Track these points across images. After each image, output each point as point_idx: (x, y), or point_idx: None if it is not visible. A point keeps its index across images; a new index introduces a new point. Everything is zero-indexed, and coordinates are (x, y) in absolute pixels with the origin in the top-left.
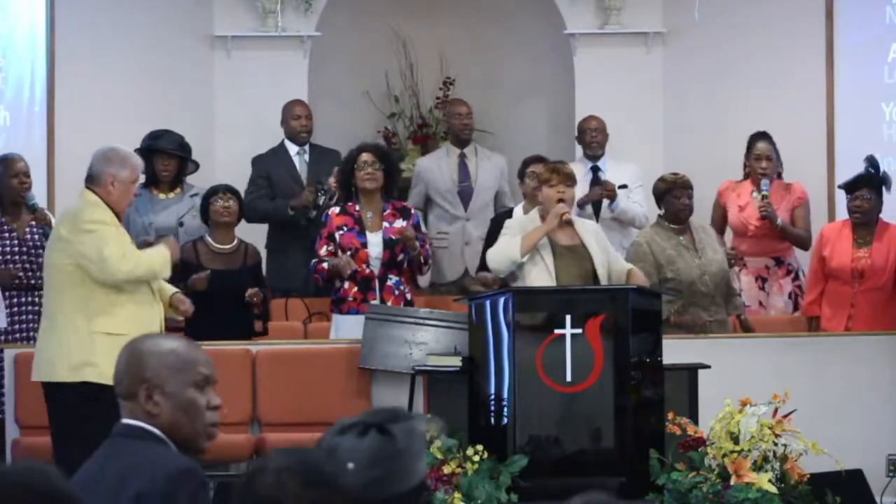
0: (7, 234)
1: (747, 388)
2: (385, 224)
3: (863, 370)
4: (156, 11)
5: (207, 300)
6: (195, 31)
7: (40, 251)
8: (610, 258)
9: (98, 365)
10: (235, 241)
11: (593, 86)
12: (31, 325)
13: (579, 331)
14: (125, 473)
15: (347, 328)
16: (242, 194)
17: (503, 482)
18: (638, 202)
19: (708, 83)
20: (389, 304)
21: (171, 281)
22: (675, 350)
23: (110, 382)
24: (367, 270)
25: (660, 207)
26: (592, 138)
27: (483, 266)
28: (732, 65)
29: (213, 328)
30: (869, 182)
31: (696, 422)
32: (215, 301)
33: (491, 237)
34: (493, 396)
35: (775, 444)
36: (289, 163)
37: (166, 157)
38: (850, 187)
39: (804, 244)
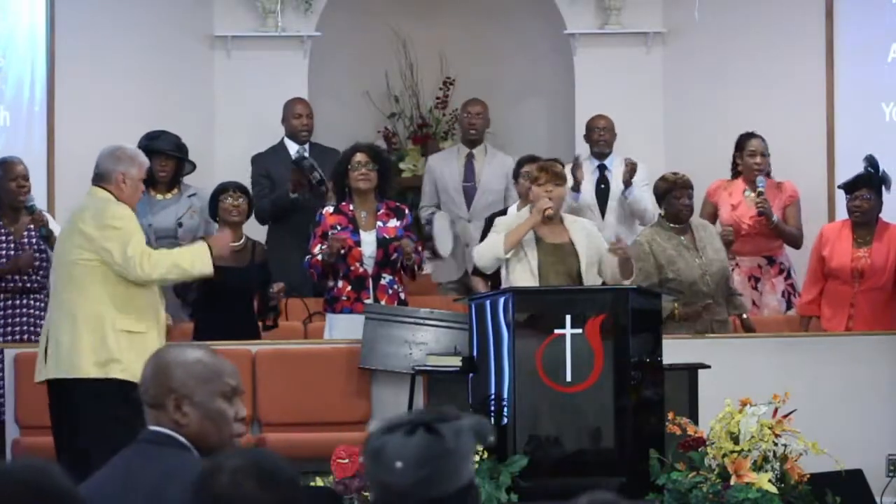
0: (4, 238)
1: (747, 388)
2: (379, 224)
3: (863, 370)
4: (156, 11)
5: (215, 298)
6: (195, 31)
7: (36, 254)
8: (603, 258)
9: (122, 361)
10: (244, 240)
11: (593, 86)
12: (28, 326)
13: (579, 331)
14: (159, 481)
15: (341, 327)
16: None
17: (503, 482)
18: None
19: (708, 83)
20: (383, 303)
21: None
22: (675, 350)
23: (135, 380)
24: (361, 269)
25: (661, 207)
26: (600, 137)
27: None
28: (732, 65)
29: (221, 326)
30: (868, 182)
31: (696, 422)
32: (223, 299)
33: (483, 236)
34: (493, 396)
35: (775, 444)
36: (288, 161)
37: (163, 157)
38: (850, 187)
39: (797, 242)
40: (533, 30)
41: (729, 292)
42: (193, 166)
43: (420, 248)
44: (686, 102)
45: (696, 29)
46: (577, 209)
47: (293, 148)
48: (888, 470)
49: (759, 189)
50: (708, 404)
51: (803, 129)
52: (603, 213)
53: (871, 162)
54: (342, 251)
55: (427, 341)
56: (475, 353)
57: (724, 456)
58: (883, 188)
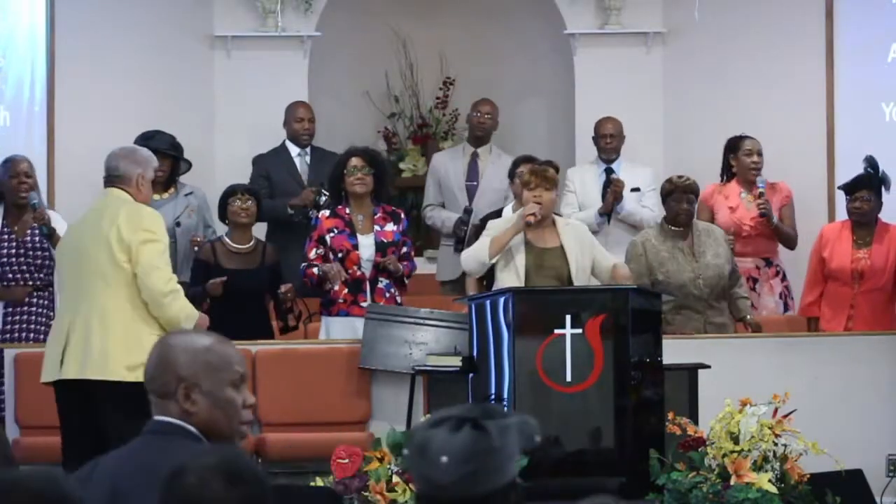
0: (6, 237)
1: (747, 388)
2: (376, 227)
3: (862, 370)
4: (156, 11)
5: (227, 300)
6: (195, 31)
7: (38, 253)
8: (596, 257)
9: None
10: (253, 241)
11: (593, 86)
12: (31, 325)
13: (579, 331)
14: None
15: (337, 330)
16: None
17: None
18: (649, 206)
19: (708, 83)
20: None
21: (189, 283)
22: (675, 350)
23: None
24: (359, 272)
25: (664, 208)
26: (608, 144)
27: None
28: (732, 65)
29: (234, 328)
30: (868, 183)
31: (696, 422)
32: (234, 301)
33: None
34: (493, 396)
35: (775, 444)
36: (290, 164)
37: (159, 157)
38: (850, 189)
39: (793, 243)
40: (533, 30)
41: (733, 296)
42: (189, 165)
43: (411, 254)
44: (686, 102)
45: (696, 29)
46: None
47: (294, 150)
48: (888, 470)
49: (760, 190)
50: (708, 404)
51: (803, 130)
52: (609, 217)
53: (870, 163)
54: (331, 284)
55: (427, 341)
56: (475, 353)
57: (724, 456)
58: (882, 189)
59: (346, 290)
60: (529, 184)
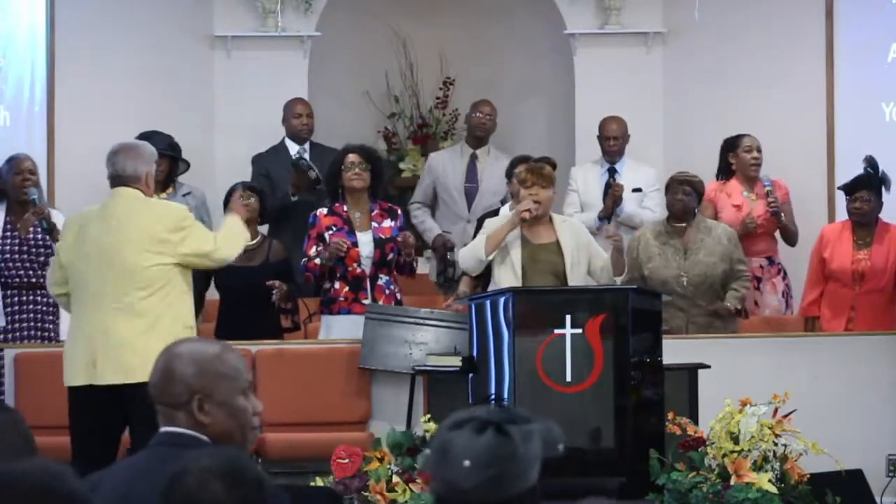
0: (10, 234)
1: (747, 388)
2: (374, 224)
3: (863, 370)
4: (156, 11)
5: (232, 298)
6: (195, 31)
7: (41, 250)
8: (592, 256)
9: None
10: (258, 239)
11: (593, 86)
12: (34, 322)
13: (579, 331)
14: None
15: (339, 328)
16: None
17: None
18: (650, 207)
19: (708, 83)
20: (381, 303)
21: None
22: (675, 350)
23: None
24: (359, 270)
25: (666, 203)
26: (611, 147)
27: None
28: (732, 65)
29: (241, 326)
30: (868, 183)
31: (696, 422)
32: (239, 299)
33: (474, 236)
34: (493, 397)
35: (775, 444)
36: (288, 161)
37: (158, 158)
38: (850, 189)
39: (796, 240)
40: (533, 30)
41: (727, 288)
42: (187, 165)
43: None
44: (686, 102)
45: (696, 29)
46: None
47: (294, 148)
48: (888, 470)
49: (768, 188)
50: (708, 404)
51: (803, 129)
52: (609, 216)
53: (870, 163)
54: (342, 255)
55: (427, 341)
56: (475, 353)
57: (724, 456)
58: (883, 189)
59: (346, 289)
60: (526, 182)
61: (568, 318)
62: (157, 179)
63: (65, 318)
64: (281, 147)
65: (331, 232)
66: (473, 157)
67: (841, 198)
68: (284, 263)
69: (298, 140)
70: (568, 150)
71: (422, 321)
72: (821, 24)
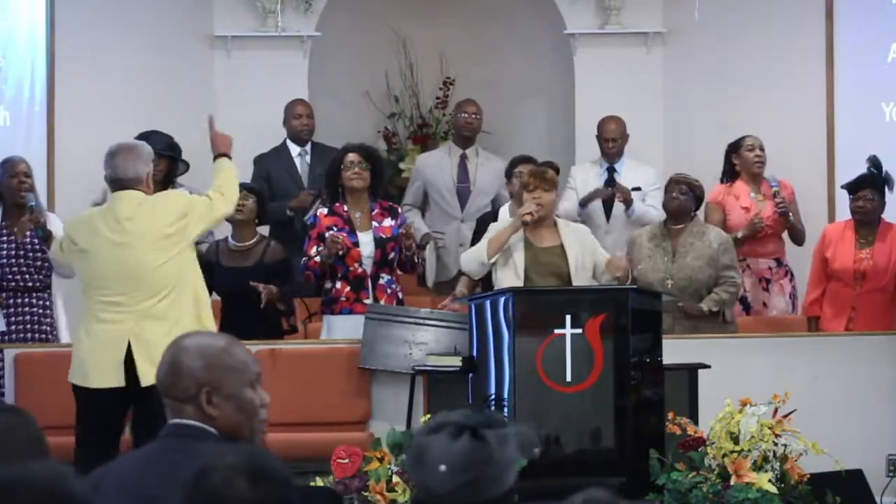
0: (5, 238)
1: (747, 388)
2: (374, 223)
3: (863, 370)
4: (156, 11)
5: (229, 299)
6: (195, 31)
7: (38, 254)
8: (598, 260)
9: None
10: (254, 239)
11: (593, 86)
12: (30, 325)
13: (579, 331)
14: None
15: (340, 328)
16: None
17: None
18: (653, 206)
19: (708, 83)
20: (382, 302)
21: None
22: (675, 350)
23: None
24: (360, 269)
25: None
26: (610, 148)
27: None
28: (732, 65)
29: (242, 326)
30: (872, 182)
31: (696, 422)
32: (235, 300)
33: (475, 238)
34: (493, 396)
35: (775, 444)
36: (289, 163)
37: (156, 157)
38: (853, 188)
39: (803, 240)
40: (533, 30)
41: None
42: (187, 166)
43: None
44: (686, 102)
45: (696, 29)
46: (582, 215)
47: (295, 150)
48: (888, 470)
49: (775, 189)
50: (708, 404)
51: (803, 129)
52: (608, 215)
53: (874, 162)
54: (340, 252)
55: (427, 341)
56: (475, 353)
57: (724, 456)
58: (886, 188)
59: (348, 289)
60: (528, 185)
61: (568, 318)
62: (155, 180)
63: (62, 319)
64: (282, 148)
65: (331, 232)
66: (463, 158)
67: (841, 198)
68: (282, 264)
69: (299, 141)
70: (568, 150)
71: (422, 321)
72: (821, 24)
